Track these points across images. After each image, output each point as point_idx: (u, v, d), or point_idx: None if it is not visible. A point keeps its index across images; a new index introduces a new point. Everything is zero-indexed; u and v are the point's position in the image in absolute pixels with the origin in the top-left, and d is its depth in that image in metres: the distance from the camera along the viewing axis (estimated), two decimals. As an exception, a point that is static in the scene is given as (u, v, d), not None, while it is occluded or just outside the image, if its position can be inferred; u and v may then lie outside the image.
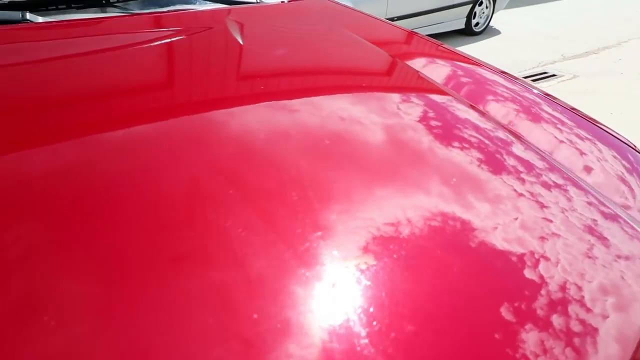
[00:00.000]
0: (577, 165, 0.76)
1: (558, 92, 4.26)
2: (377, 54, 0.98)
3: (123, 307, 0.38)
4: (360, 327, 0.40)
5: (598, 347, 0.44)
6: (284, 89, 0.78)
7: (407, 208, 0.54)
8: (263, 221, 0.48)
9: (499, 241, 0.52)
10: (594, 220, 0.61)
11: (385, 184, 0.57)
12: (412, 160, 0.64)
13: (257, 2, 1.10)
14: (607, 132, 0.91)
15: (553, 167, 0.70)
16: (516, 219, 0.56)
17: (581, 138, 0.86)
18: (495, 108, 0.88)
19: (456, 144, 0.68)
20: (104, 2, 0.90)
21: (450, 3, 5.51)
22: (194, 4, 1.03)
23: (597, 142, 0.86)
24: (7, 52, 0.72)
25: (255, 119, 0.64)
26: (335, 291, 0.42)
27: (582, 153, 0.81)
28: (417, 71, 0.93)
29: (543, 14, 7.12)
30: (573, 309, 0.47)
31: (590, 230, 0.58)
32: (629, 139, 0.92)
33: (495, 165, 0.66)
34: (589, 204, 0.64)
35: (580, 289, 0.49)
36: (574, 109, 0.96)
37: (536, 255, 0.51)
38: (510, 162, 0.68)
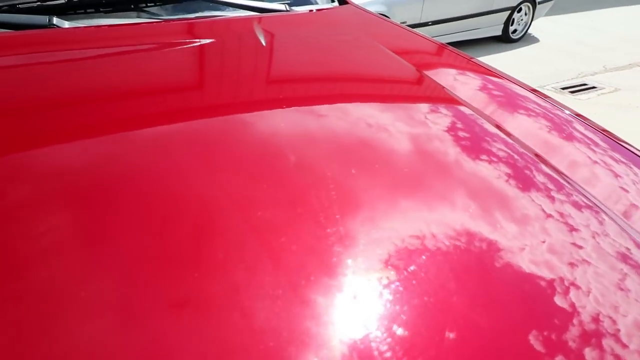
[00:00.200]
0: (608, 189, 0.73)
1: (597, 105, 4.12)
2: (401, 66, 0.96)
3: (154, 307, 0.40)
4: (380, 344, 0.39)
5: None
6: (308, 95, 0.81)
7: (431, 222, 0.54)
8: (288, 225, 0.50)
9: (526, 263, 0.50)
10: (628, 249, 0.58)
11: (411, 195, 0.58)
12: (437, 173, 0.64)
13: (287, 11, 1.10)
14: None
15: (582, 191, 0.67)
16: (544, 241, 0.54)
17: (616, 161, 0.83)
18: (522, 126, 0.86)
19: (481, 160, 0.67)
20: (132, 7, 0.91)
21: (488, 9, 5.42)
22: (223, 11, 1.03)
23: (632, 165, 0.82)
24: (34, 57, 0.74)
25: (284, 122, 0.69)
26: (356, 304, 0.43)
27: (616, 175, 0.77)
28: (441, 85, 0.91)
29: (585, 22, 6.91)
30: (608, 343, 0.44)
31: (624, 259, 0.56)
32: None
33: (522, 185, 0.64)
34: (622, 230, 0.61)
35: (614, 322, 0.46)
36: (605, 130, 0.92)
37: (566, 282, 0.49)
38: (537, 182, 0.66)
